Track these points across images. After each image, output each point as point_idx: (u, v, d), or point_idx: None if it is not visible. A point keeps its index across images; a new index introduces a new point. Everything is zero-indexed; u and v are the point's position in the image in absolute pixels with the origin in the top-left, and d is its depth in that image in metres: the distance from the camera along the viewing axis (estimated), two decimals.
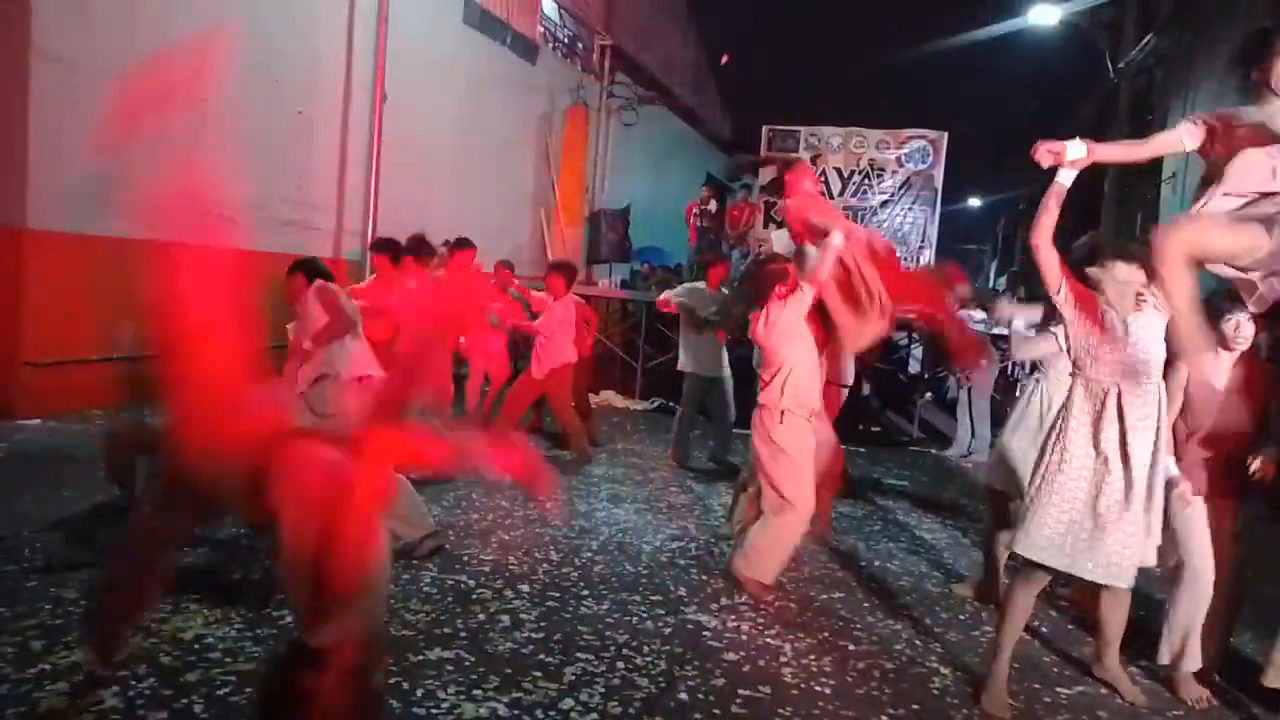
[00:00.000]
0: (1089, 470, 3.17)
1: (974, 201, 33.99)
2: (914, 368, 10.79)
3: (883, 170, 11.61)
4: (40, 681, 2.87)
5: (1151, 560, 3.25)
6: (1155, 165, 16.13)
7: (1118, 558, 3.14)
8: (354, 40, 9.40)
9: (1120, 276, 3.18)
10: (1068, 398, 3.28)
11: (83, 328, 6.77)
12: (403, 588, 3.95)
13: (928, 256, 11.75)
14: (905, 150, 11.56)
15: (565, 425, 6.85)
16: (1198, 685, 3.51)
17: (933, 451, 8.46)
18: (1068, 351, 3.31)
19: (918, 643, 3.87)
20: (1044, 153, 3.21)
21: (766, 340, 4.31)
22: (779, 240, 8.01)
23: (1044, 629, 4.10)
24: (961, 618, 4.24)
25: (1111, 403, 3.16)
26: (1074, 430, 3.20)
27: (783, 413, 4.19)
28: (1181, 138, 3.23)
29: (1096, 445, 3.17)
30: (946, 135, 11.52)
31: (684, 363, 6.97)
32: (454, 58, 11.11)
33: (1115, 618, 3.46)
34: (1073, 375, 3.30)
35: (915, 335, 9.89)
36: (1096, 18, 14.19)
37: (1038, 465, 3.30)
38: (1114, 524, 3.13)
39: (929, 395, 10.78)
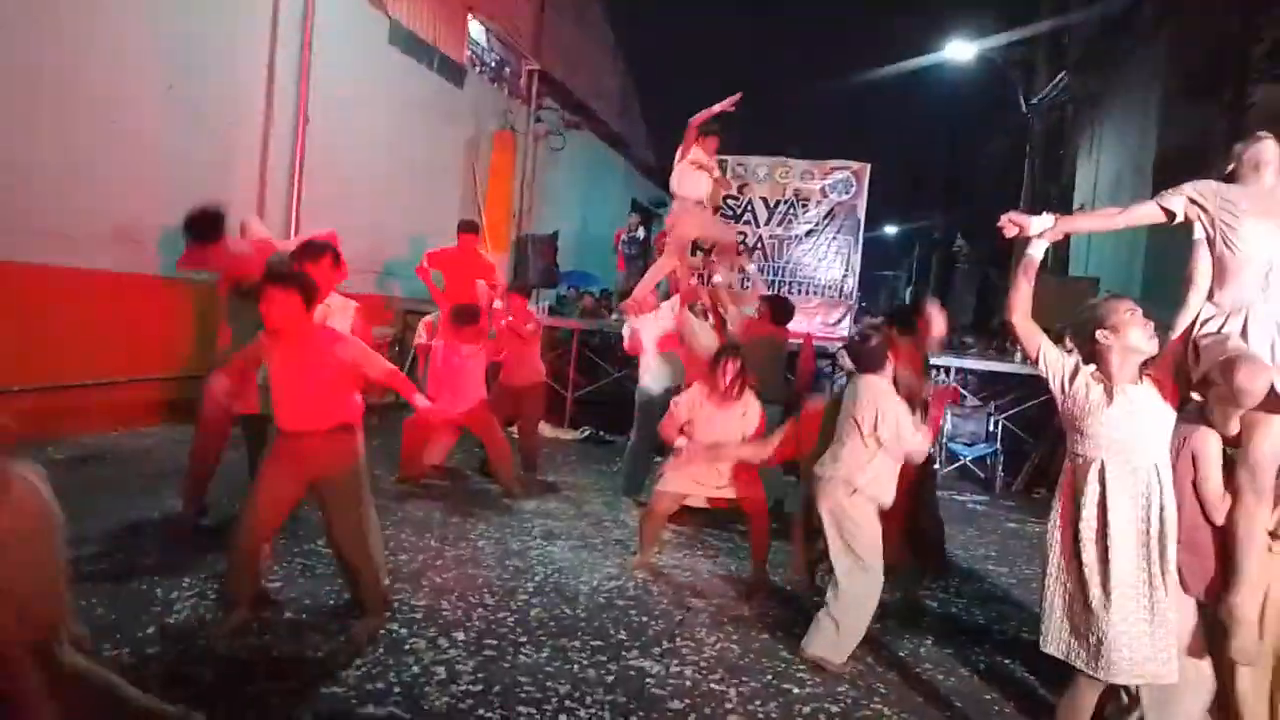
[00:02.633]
0: (1071, 556, 3.04)
1: (890, 229, 34.92)
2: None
3: (807, 200, 11.76)
4: None
5: (1167, 663, 2.94)
6: (1066, 197, 16.82)
7: (1117, 655, 2.91)
8: (276, 61, 9.14)
9: (1131, 343, 3.00)
10: (1059, 479, 3.16)
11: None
12: (331, 640, 3.77)
13: (851, 284, 11.93)
14: (829, 181, 11.73)
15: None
16: None
17: None
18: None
19: (861, 683, 3.84)
20: (1007, 224, 3.24)
21: None
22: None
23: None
24: (902, 654, 4.23)
25: (1094, 478, 3.00)
26: (1056, 513, 3.11)
27: None
28: (1166, 209, 3.32)
29: (1076, 528, 3.02)
30: (869, 167, 11.74)
31: None
32: (379, 80, 10.90)
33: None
34: (1067, 452, 3.16)
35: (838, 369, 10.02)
36: (1010, 55, 14.77)
37: (1048, 548, 3.16)
38: (1105, 617, 2.93)
39: None
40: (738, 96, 7.19)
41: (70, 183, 7.00)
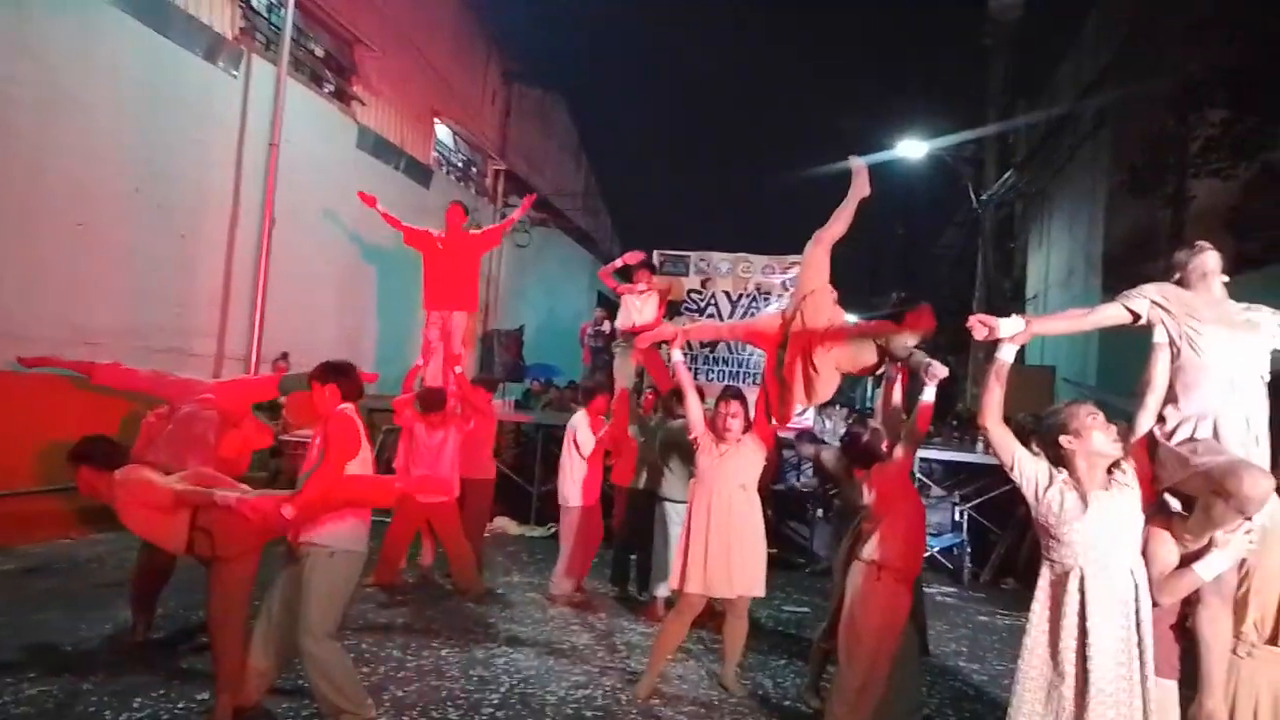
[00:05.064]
0: (1047, 663, 3.01)
1: (851, 318, 35.55)
2: (805, 482, 10.89)
3: (769, 294, 11.94)
4: None
5: None
6: (1019, 289, 17.27)
7: None
8: (244, 164, 9.28)
9: (1095, 447, 3.04)
10: (1038, 582, 3.12)
11: None
12: None
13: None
14: (789, 275, 11.92)
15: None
16: None
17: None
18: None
19: None
20: (977, 325, 3.24)
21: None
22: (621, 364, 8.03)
23: None
24: None
25: (1074, 587, 2.98)
26: (1034, 618, 3.06)
27: None
28: (1131, 310, 3.33)
29: (1055, 637, 3.00)
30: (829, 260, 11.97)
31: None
32: (346, 182, 11.04)
33: None
34: (1043, 557, 3.14)
35: (801, 457, 10.02)
36: (960, 153, 15.35)
37: (1021, 653, 3.11)
38: None
39: (821, 512, 10.85)
40: (640, 254, 8.16)
41: (32, 286, 6.98)
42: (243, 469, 5.50)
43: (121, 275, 7.89)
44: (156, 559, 4.91)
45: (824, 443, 7.41)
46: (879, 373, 4.79)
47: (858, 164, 4.79)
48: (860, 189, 4.76)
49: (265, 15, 10.26)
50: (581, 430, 6.76)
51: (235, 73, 9.29)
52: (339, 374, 4.05)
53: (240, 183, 9.27)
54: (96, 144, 7.62)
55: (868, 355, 4.57)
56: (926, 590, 8.03)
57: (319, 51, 11.39)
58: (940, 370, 4.08)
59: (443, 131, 14.45)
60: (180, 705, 4.09)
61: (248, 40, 9.62)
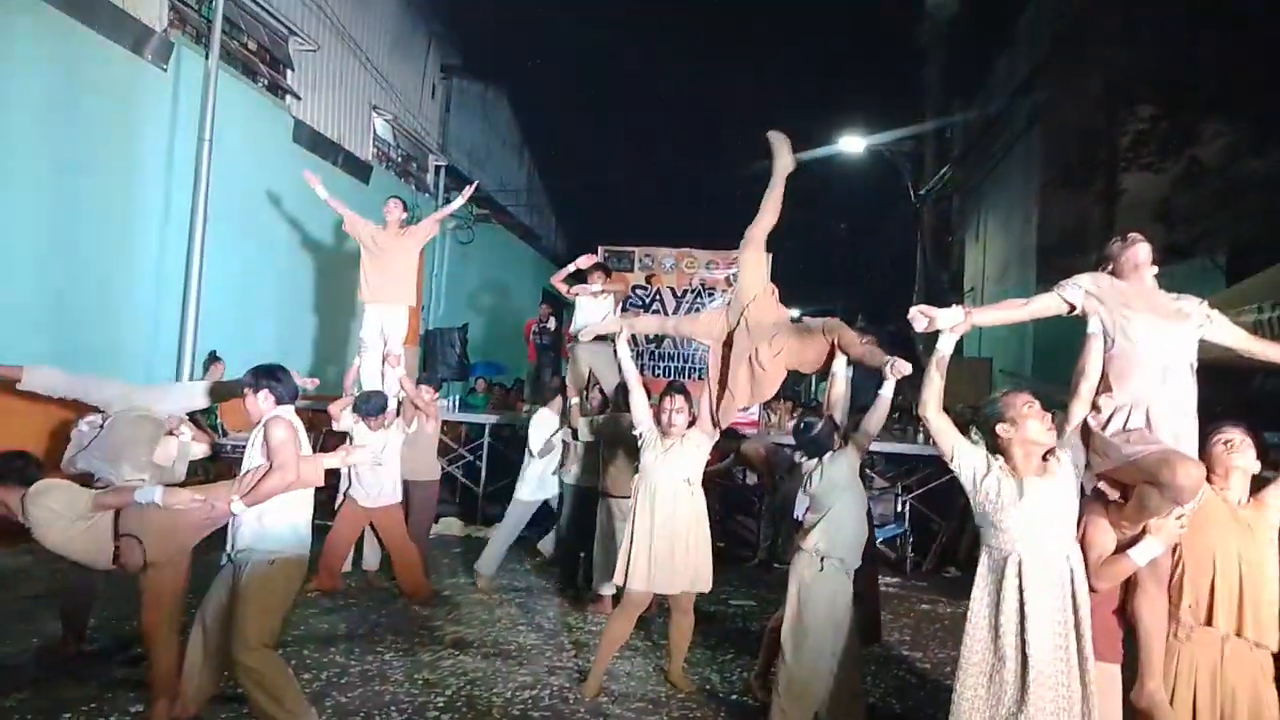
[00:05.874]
0: (988, 648, 3.05)
1: (795, 312, 35.90)
2: (752, 478, 10.94)
3: (713, 289, 11.98)
4: None
5: None
6: (957, 282, 17.60)
7: None
8: (175, 160, 9.02)
9: (1031, 436, 3.10)
10: (977, 569, 3.17)
11: None
12: None
13: None
14: (733, 270, 11.92)
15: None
16: None
17: (776, 565, 8.50)
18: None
19: None
20: (918, 316, 3.26)
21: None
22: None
23: None
24: None
25: (1012, 572, 3.03)
26: (975, 604, 3.10)
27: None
28: (1067, 301, 3.38)
29: (996, 622, 3.03)
30: (771, 255, 12.07)
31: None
32: (282, 178, 10.81)
33: None
34: (981, 545, 3.20)
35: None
36: (899, 148, 15.59)
37: (963, 639, 3.15)
38: (1022, 710, 2.93)
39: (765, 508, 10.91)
40: (593, 257, 8.13)
41: None
42: (179, 475, 5.35)
43: (46, 274, 7.62)
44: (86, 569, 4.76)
45: (744, 437, 7.45)
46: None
47: (777, 137, 4.68)
48: (784, 164, 4.64)
49: (195, 7, 9.97)
50: (535, 430, 6.89)
51: (164, 66, 9.02)
52: (270, 378, 3.94)
53: (171, 179, 9.00)
54: (15, 139, 7.34)
55: (817, 353, 4.56)
56: None
57: (252, 44, 11.11)
58: (905, 366, 4.06)
59: (381, 126, 14.22)
60: (113, 718, 3.96)
61: (177, 32, 9.35)
